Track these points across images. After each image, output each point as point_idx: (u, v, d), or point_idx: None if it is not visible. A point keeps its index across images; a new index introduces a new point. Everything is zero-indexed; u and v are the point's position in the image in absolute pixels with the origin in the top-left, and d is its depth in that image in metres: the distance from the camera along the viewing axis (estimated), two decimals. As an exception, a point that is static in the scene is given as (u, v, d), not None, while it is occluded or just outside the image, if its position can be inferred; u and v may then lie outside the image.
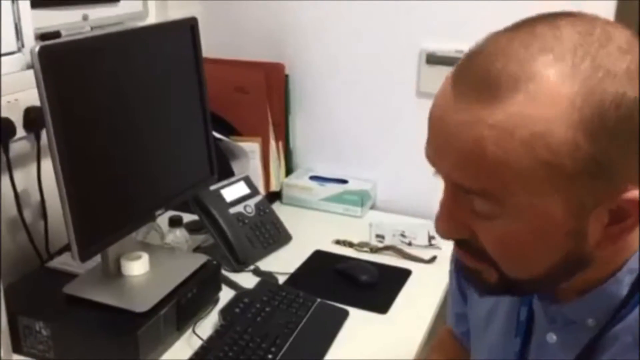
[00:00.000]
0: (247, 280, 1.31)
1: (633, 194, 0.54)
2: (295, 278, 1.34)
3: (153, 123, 1.12)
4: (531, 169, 0.52)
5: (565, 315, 0.66)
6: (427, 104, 0.59)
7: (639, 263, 0.61)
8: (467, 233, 0.60)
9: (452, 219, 0.60)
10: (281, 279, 1.33)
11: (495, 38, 0.56)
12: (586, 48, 0.52)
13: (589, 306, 0.63)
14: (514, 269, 0.60)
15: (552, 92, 0.51)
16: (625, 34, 0.55)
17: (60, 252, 1.24)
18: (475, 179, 0.55)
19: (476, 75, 0.54)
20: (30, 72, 0.89)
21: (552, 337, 0.68)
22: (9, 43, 1.14)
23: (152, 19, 1.53)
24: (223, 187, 1.44)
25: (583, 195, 0.54)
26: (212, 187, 1.40)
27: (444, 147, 0.56)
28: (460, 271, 0.67)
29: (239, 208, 1.44)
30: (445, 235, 0.62)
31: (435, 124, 0.57)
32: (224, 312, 1.17)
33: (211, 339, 1.08)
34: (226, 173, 1.50)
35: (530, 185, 0.53)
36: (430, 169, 0.60)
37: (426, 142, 0.60)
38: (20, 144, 1.18)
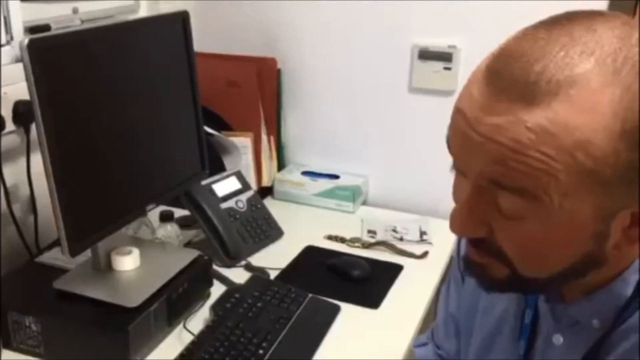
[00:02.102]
0: (239, 275, 1.31)
1: None
2: (287, 273, 1.34)
3: (144, 117, 1.11)
4: (570, 174, 0.52)
5: (570, 315, 0.66)
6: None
7: None
8: (484, 232, 0.59)
9: (472, 216, 0.59)
10: (273, 274, 1.33)
11: (530, 37, 0.55)
12: (626, 53, 0.52)
13: (595, 306, 0.63)
14: (530, 269, 0.60)
15: (594, 99, 0.51)
16: None
17: (50, 246, 1.24)
18: (511, 176, 0.54)
19: (514, 76, 0.53)
20: (20, 65, 0.88)
21: (558, 339, 0.68)
22: (-2, 36, 1.13)
23: (143, 12, 1.52)
24: (214, 182, 1.43)
25: (615, 199, 0.54)
26: (204, 182, 1.39)
27: (478, 145, 0.55)
28: (466, 266, 0.66)
29: (230, 203, 1.44)
30: (462, 232, 0.61)
31: (467, 120, 0.56)
32: (215, 308, 1.17)
33: (202, 334, 1.08)
34: (218, 168, 1.50)
35: (565, 189, 0.53)
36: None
37: (449, 137, 0.59)
38: (9, 138, 1.17)
